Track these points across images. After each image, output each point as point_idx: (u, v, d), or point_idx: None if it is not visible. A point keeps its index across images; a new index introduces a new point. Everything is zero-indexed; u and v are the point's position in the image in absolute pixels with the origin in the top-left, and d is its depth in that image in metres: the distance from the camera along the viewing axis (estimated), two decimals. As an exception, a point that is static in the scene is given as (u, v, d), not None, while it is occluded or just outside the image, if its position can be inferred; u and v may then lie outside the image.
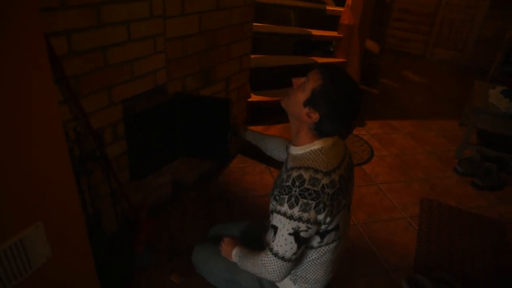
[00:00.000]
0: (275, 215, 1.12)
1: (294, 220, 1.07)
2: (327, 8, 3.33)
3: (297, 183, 1.07)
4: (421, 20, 5.61)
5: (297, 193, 1.06)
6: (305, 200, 1.05)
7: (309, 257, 1.22)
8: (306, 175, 1.07)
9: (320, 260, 1.23)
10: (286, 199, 1.07)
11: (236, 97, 2.51)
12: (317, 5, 3.49)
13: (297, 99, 1.13)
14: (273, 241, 1.12)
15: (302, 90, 1.12)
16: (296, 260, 1.15)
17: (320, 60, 3.22)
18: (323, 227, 1.13)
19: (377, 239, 2.16)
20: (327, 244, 1.20)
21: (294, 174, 1.09)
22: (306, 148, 1.15)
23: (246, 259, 1.25)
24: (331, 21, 3.32)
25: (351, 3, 3.10)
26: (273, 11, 3.76)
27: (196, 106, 1.96)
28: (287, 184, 1.08)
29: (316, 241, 1.17)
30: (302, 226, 1.07)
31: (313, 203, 1.06)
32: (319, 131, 1.13)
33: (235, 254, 1.30)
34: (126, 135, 1.73)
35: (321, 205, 1.07)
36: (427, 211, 2.40)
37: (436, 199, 2.53)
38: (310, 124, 1.13)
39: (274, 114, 3.04)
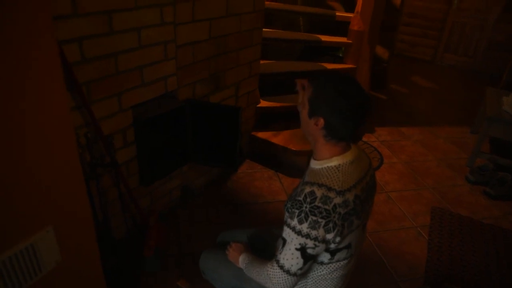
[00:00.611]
0: (285, 227, 1.11)
1: (302, 236, 1.06)
2: (336, 14, 3.32)
3: (308, 199, 1.05)
4: (431, 25, 5.56)
5: (307, 209, 1.05)
6: (314, 218, 1.04)
7: (319, 272, 1.21)
8: (318, 193, 1.05)
9: (330, 276, 1.22)
10: (296, 214, 1.06)
11: (245, 103, 2.51)
12: (327, 11, 3.48)
13: (303, 117, 1.15)
14: (280, 253, 1.12)
15: (303, 106, 1.14)
16: (301, 275, 1.14)
17: (329, 66, 3.20)
18: (332, 245, 1.11)
19: (387, 248, 2.13)
20: (338, 261, 1.18)
21: (307, 189, 1.07)
22: (324, 163, 1.13)
23: (253, 266, 1.25)
24: (341, 27, 3.31)
25: (361, 9, 3.09)
26: (282, 16, 3.76)
27: (206, 113, 1.97)
28: (299, 198, 1.07)
29: (326, 258, 1.16)
30: (310, 243, 1.06)
31: (323, 222, 1.04)
32: (331, 136, 1.11)
33: (242, 260, 1.30)
34: (136, 140, 1.73)
35: (330, 224, 1.05)
36: (438, 221, 2.36)
37: (447, 208, 2.50)
38: (321, 132, 1.11)
39: (283, 119, 3.03)
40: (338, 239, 1.08)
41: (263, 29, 2.62)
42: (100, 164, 1.45)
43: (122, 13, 1.45)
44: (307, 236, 1.05)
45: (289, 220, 1.09)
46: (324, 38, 3.25)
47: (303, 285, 1.25)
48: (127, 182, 1.69)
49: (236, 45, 2.19)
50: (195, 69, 1.95)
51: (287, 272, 1.11)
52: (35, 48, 0.84)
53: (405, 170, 2.92)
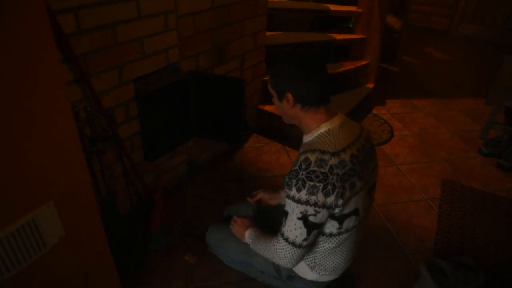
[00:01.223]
0: (286, 200, 1.10)
1: (302, 203, 1.05)
2: (346, -19, 3.18)
3: (303, 166, 1.05)
4: (446, -7, 5.32)
5: (303, 176, 1.04)
6: (312, 183, 1.03)
7: (328, 245, 1.19)
8: (312, 157, 1.05)
9: (340, 248, 1.20)
10: (294, 183, 1.06)
11: (251, 76, 2.45)
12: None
13: (277, 105, 1.20)
14: (284, 226, 1.11)
15: (273, 96, 1.20)
16: (308, 247, 1.12)
17: (339, 36, 3.09)
18: (336, 210, 1.09)
19: (396, 221, 2.10)
20: (347, 230, 1.16)
21: (301, 158, 1.07)
22: (314, 133, 1.14)
23: (259, 242, 1.24)
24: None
25: (372, -24, 2.94)
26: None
27: (209, 86, 1.92)
28: (295, 168, 1.07)
29: (335, 227, 1.13)
30: (310, 210, 1.05)
31: (321, 185, 1.03)
32: (306, 105, 1.13)
33: (248, 236, 1.29)
34: (139, 114, 1.70)
35: (329, 187, 1.03)
36: (449, 193, 2.31)
37: (459, 181, 2.44)
38: (297, 107, 1.14)
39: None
40: (340, 201, 1.06)
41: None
42: (101, 138, 1.43)
43: (119, -20, 1.39)
44: (307, 202, 1.04)
45: (288, 191, 1.08)
46: (333, 7, 3.13)
47: (312, 260, 1.24)
48: (130, 157, 1.67)
49: (240, 15, 2.11)
50: (198, 40, 1.89)
51: (293, 244, 1.09)
52: (24, 20, 0.80)
53: (417, 142, 2.85)
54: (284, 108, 1.17)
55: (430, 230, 2.05)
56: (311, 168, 1.04)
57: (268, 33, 2.51)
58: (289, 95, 1.12)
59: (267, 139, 2.71)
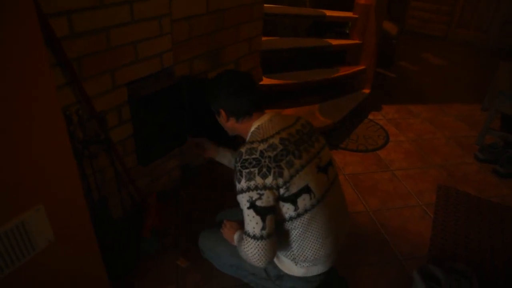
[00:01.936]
0: (237, 199, 1.18)
1: (244, 191, 1.13)
2: (342, -13, 3.19)
3: (237, 159, 1.16)
4: (443, 0, 5.34)
5: (239, 166, 1.14)
6: (247, 170, 1.12)
7: (297, 231, 1.21)
8: (243, 149, 1.17)
9: (310, 233, 1.21)
10: (235, 178, 1.16)
11: (246, 81, 2.45)
12: (332, -16, 3.35)
13: (219, 121, 1.39)
14: (244, 223, 1.17)
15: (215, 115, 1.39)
16: (270, 237, 1.14)
17: (335, 42, 3.10)
18: (282, 191, 1.14)
19: (390, 227, 2.09)
20: (306, 210, 1.18)
21: (236, 155, 1.19)
22: (248, 135, 1.27)
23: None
24: (348, 3, 3.19)
25: (368, -18, 2.96)
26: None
27: (203, 90, 1.92)
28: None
29: (291, 209, 1.17)
30: (254, 195, 1.11)
31: (256, 170, 1.12)
32: (239, 116, 1.29)
33: (236, 238, 1.31)
34: (132, 118, 1.70)
35: (264, 169, 1.11)
36: (444, 199, 2.31)
37: (454, 187, 2.44)
38: (232, 120, 1.31)
39: (286, 97, 2.97)
40: (280, 180, 1.12)
41: (266, 5, 2.53)
42: (93, 141, 1.42)
43: (112, -15, 1.39)
44: (248, 189, 1.12)
45: (235, 190, 1.17)
46: (329, 13, 3.15)
47: (290, 252, 1.25)
48: (123, 160, 1.67)
49: (235, 20, 2.12)
50: (192, 44, 1.89)
51: (254, 237, 1.14)
52: (15, 24, 0.80)
53: (412, 148, 2.85)
54: (223, 123, 1.36)
55: (425, 236, 2.04)
56: (243, 157, 1.15)
57: (264, 38, 2.52)
58: (222, 112, 1.31)
59: (263, 143, 2.70)
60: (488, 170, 2.64)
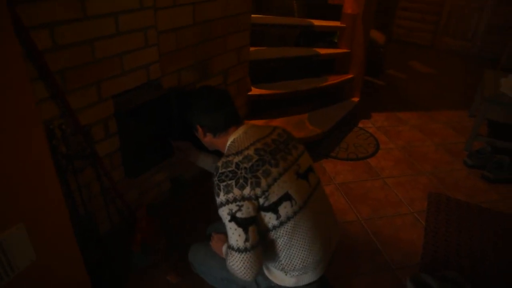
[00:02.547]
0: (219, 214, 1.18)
1: (224, 205, 1.12)
2: (329, -3, 3.23)
3: (214, 173, 1.17)
4: (428, 9, 5.45)
5: (217, 181, 1.15)
6: (224, 183, 1.13)
7: (282, 240, 1.19)
8: (219, 163, 1.18)
9: (295, 240, 1.19)
10: (215, 194, 1.16)
11: (235, 91, 2.45)
12: (319, -6, 3.39)
13: (198, 137, 1.42)
14: (227, 237, 1.16)
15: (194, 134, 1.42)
16: (254, 249, 1.13)
17: (323, 51, 3.12)
18: (262, 201, 1.13)
19: (382, 235, 2.08)
20: (288, 218, 1.17)
21: (214, 170, 1.19)
22: (225, 149, 1.29)
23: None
24: (337, 13, 3.22)
25: (354, -8, 2.99)
26: (276, 3, 3.67)
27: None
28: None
29: (273, 218, 1.16)
30: (233, 207, 1.11)
31: (233, 182, 1.12)
32: (215, 132, 1.32)
33: (224, 251, 1.29)
34: (118, 131, 1.67)
35: (241, 180, 1.12)
36: (435, 206, 2.31)
37: (445, 193, 2.44)
38: (209, 136, 1.35)
39: (276, 107, 2.97)
40: (258, 190, 1.12)
41: (254, 15, 2.54)
42: (77, 156, 1.39)
43: (96, -4, 1.37)
44: (227, 201, 1.12)
45: (216, 205, 1.17)
46: (317, 22, 3.17)
47: (278, 262, 1.23)
48: (110, 174, 1.64)
49: (222, 30, 2.12)
50: (179, 56, 1.88)
51: (238, 250, 1.12)
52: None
53: (402, 155, 2.86)
54: (201, 138, 1.39)
55: (417, 244, 2.03)
56: (219, 171, 1.15)
57: (252, 49, 2.52)
58: (198, 127, 1.34)
59: (253, 154, 2.69)
60: (477, 176, 2.65)
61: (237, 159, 1.16)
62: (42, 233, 1.06)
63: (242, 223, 1.11)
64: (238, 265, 1.13)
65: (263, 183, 1.13)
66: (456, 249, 1.99)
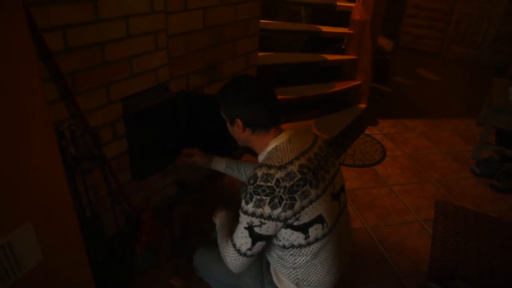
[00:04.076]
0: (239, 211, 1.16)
1: (248, 215, 1.10)
2: (337, 4, 3.23)
3: (251, 181, 1.10)
4: (437, 17, 5.44)
5: (251, 190, 1.09)
6: (258, 197, 1.08)
7: (304, 258, 1.17)
8: (259, 173, 1.10)
9: (318, 260, 1.18)
10: (243, 197, 1.12)
11: (242, 96, 2.45)
12: (327, 0, 3.40)
13: (230, 129, 1.28)
14: (234, 232, 1.17)
15: (226, 121, 1.27)
16: (252, 257, 1.15)
17: (330, 57, 3.13)
18: (291, 221, 1.10)
19: (389, 243, 2.06)
20: (317, 240, 1.15)
21: (251, 174, 1.13)
22: (264, 152, 1.21)
23: (222, 230, 1.28)
24: (344, 18, 3.23)
25: (363, -2, 3.00)
26: (284, 8, 3.69)
27: (200, 105, 1.90)
28: (246, 183, 1.13)
29: (301, 237, 1.14)
30: (256, 221, 1.09)
31: (267, 199, 1.07)
32: (256, 129, 1.20)
33: (220, 216, 1.37)
34: (126, 134, 1.68)
35: (276, 200, 1.07)
36: (442, 214, 2.29)
37: (452, 202, 2.42)
38: (247, 131, 1.21)
39: (283, 112, 2.97)
40: (289, 212, 1.08)
41: (263, 21, 2.55)
42: (86, 158, 1.40)
43: (108, 0, 1.39)
44: (253, 214, 1.09)
45: (241, 204, 1.13)
46: (325, 29, 3.18)
47: (294, 276, 1.22)
48: (117, 177, 1.64)
49: (232, 35, 2.13)
50: (188, 60, 1.88)
51: (238, 251, 1.14)
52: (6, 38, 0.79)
53: (409, 163, 2.84)
54: (236, 132, 1.25)
55: (424, 252, 2.01)
56: (258, 183, 1.08)
57: (260, 54, 2.53)
58: (239, 121, 1.19)
59: (259, 158, 2.69)
60: (485, 185, 2.63)
61: (279, 174, 1.08)
62: (49, 234, 1.06)
63: (255, 236, 1.11)
64: (231, 259, 1.16)
65: (297, 205, 1.09)
66: (464, 258, 1.97)
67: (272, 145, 1.18)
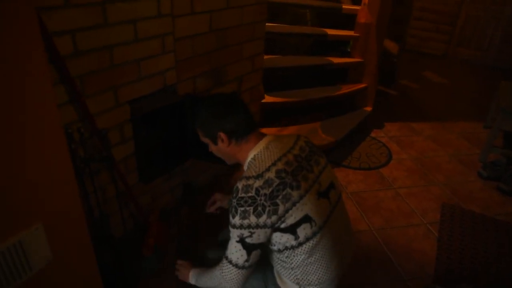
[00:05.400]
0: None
1: (237, 228, 1.12)
2: (343, 6, 3.24)
3: (234, 195, 1.13)
4: (443, 19, 5.42)
5: (235, 203, 1.12)
6: (242, 208, 1.10)
7: (300, 257, 1.18)
8: (240, 185, 1.13)
9: (314, 258, 1.19)
10: (230, 211, 1.14)
11: (248, 98, 2.46)
12: (333, 4, 3.41)
13: (215, 149, 1.30)
14: (227, 249, 1.18)
15: (209, 145, 1.31)
16: (251, 267, 1.17)
17: (336, 60, 3.13)
18: (279, 224, 1.12)
19: (394, 246, 2.06)
20: (308, 239, 1.16)
21: (233, 189, 1.15)
22: (246, 163, 1.23)
23: (204, 275, 1.31)
24: (350, 22, 3.24)
25: (368, 1, 3.00)
26: (289, 11, 3.70)
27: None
28: (231, 198, 1.16)
29: (291, 239, 1.15)
30: (245, 233, 1.11)
31: (251, 209, 1.10)
32: (237, 138, 1.22)
33: (191, 275, 1.35)
34: (134, 136, 1.70)
35: (259, 208, 1.10)
36: (448, 217, 2.27)
37: (458, 205, 2.41)
38: (231, 143, 1.23)
39: (289, 115, 2.98)
40: (274, 217, 1.10)
41: (268, 24, 2.56)
42: (94, 159, 1.42)
43: (117, 4, 1.41)
44: (241, 226, 1.11)
45: (229, 219, 1.15)
46: (331, 31, 3.19)
47: (294, 276, 1.22)
48: (125, 178, 1.66)
49: (238, 38, 2.14)
50: (195, 63, 1.90)
51: (236, 265, 1.15)
52: (19, 42, 0.81)
53: (415, 166, 2.84)
54: (222, 149, 1.26)
55: (430, 255, 2.00)
56: (239, 195, 1.11)
57: (266, 57, 2.55)
58: (222, 135, 1.21)
59: (265, 161, 2.69)
60: (492, 188, 2.61)
61: (257, 183, 1.11)
62: (59, 234, 1.08)
63: (249, 247, 1.13)
64: (232, 276, 1.17)
65: (281, 209, 1.10)
66: (471, 261, 1.96)
67: (251, 156, 1.21)
